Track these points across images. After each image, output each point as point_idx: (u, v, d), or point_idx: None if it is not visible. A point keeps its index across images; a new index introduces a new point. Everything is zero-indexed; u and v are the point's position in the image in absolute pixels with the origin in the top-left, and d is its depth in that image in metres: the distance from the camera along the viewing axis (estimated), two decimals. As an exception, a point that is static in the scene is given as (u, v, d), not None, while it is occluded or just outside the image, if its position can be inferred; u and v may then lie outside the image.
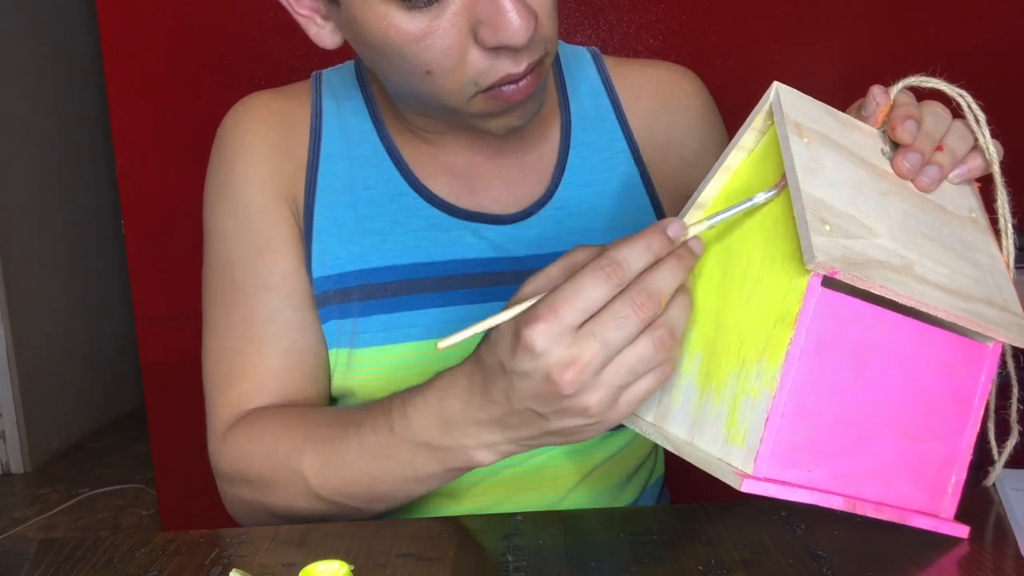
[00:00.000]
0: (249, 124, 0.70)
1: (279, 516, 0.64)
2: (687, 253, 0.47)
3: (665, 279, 0.46)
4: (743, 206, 0.48)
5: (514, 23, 0.53)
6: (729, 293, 0.49)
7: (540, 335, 0.44)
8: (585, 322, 0.45)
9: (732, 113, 0.76)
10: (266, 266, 0.68)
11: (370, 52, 0.59)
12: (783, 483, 0.44)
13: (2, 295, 2.65)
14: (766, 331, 0.45)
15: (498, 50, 0.55)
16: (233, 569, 0.47)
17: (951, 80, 0.53)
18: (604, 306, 0.45)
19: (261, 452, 0.64)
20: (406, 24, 0.54)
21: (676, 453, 0.49)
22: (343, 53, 0.64)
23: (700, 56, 1.57)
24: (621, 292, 0.45)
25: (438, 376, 0.54)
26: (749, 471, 0.44)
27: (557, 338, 0.44)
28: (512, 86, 0.57)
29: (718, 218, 0.48)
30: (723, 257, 0.51)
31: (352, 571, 0.48)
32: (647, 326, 0.45)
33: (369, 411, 0.59)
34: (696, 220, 0.49)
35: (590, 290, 0.45)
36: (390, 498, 0.59)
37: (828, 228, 0.43)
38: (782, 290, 0.45)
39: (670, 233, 0.46)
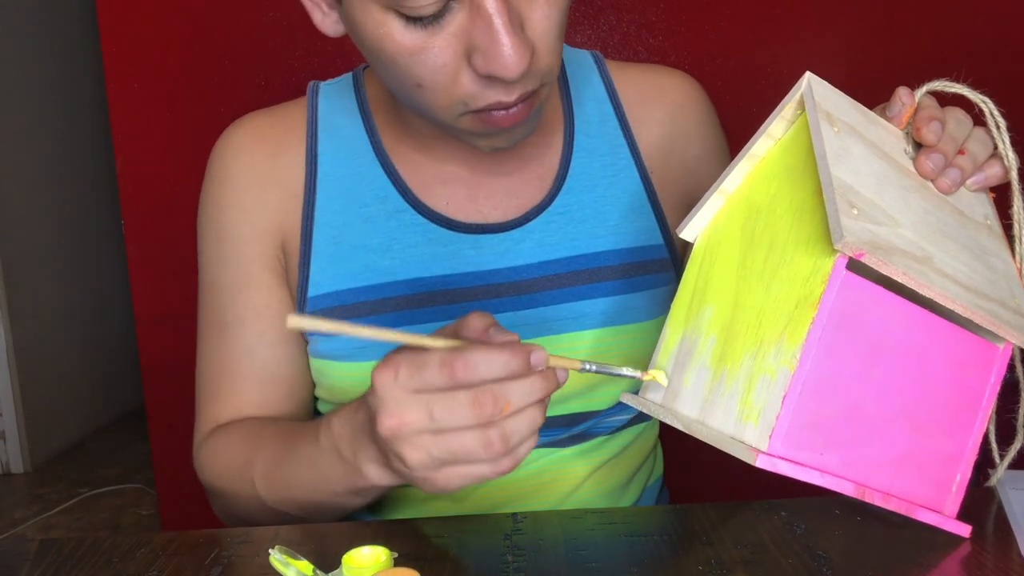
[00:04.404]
0: (235, 152, 0.71)
1: (249, 523, 0.65)
2: (552, 378, 0.47)
3: (516, 391, 0.46)
4: (615, 372, 0.50)
5: (507, 57, 0.52)
6: (749, 276, 0.49)
7: (379, 378, 0.46)
8: (425, 390, 0.46)
9: (731, 113, 0.76)
10: (245, 301, 0.70)
11: (366, 53, 0.59)
12: (796, 463, 0.44)
13: (2, 295, 2.65)
14: (787, 312, 0.45)
15: (490, 78, 0.54)
16: (276, 547, 0.47)
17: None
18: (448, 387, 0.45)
19: (221, 464, 0.67)
20: (401, 36, 0.53)
21: (686, 431, 0.49)
22: (342, 55, 0.64)
23: (700, 56, 1.57)
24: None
25: None
26: (763, 448, 0.44)
27: (390, 389, 0.46)
28: (502, 112, 0.57)
29: (589, 367, 0.49)
30: (744, 241, 0.51)
31: (394, 558, 0.48)
32: (482, 423, 0.45)
33: (310, 423, 0.60)
34: (568, 358, 0.49)
35: (431, 372, 0.45)
36: (327, 509, 0.60)
37: (856, 212, 0.44)
38: (806, 271, 0.45)
39: (532, 360, 0.46)
